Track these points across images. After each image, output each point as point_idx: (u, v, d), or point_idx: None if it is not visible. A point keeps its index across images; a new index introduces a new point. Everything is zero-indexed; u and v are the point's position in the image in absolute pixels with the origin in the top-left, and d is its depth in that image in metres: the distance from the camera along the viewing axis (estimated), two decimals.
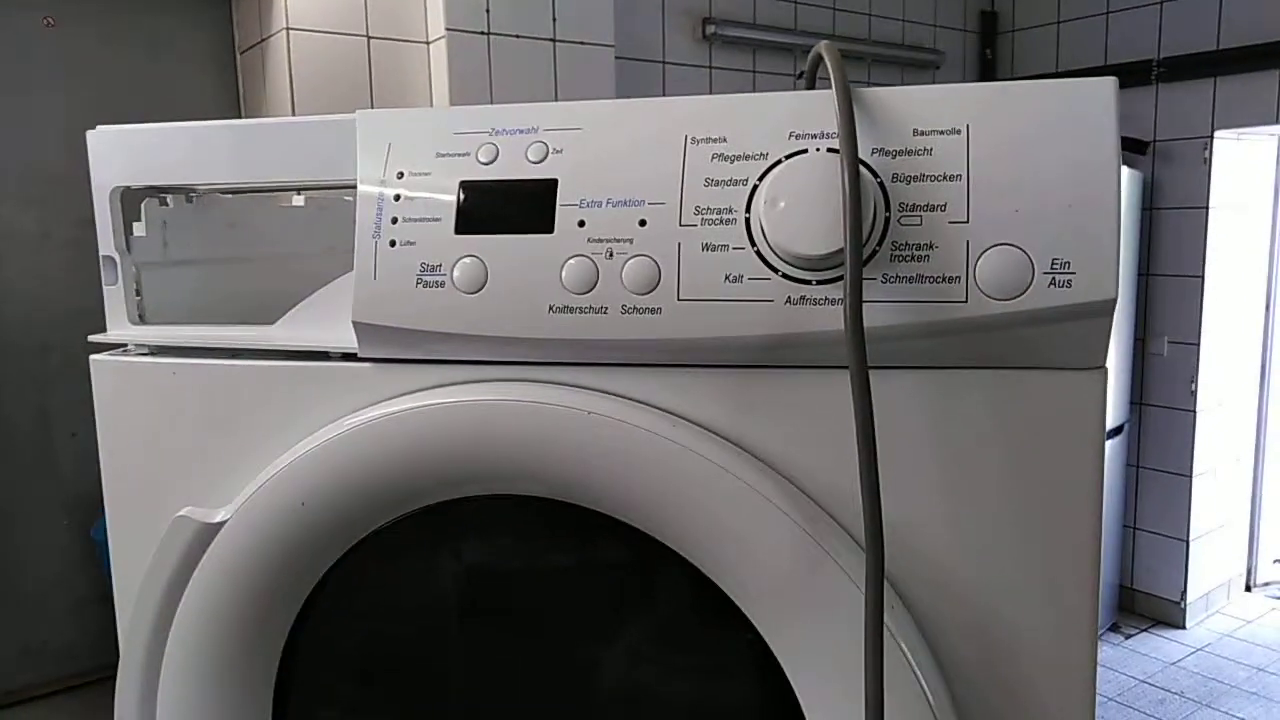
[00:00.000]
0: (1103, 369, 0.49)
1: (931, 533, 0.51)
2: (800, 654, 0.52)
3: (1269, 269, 2.91)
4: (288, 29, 1.67)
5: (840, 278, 0.49)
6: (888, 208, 0.49)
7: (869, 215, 0.48)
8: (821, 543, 0.50)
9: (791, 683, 0.53)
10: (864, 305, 0.47)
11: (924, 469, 0.51)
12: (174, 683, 0.63)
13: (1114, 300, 0.46)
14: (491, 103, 1.77)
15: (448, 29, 1.73)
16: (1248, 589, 3.08)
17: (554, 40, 1.86)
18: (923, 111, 0.49)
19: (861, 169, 0.48)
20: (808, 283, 0.49)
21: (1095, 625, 0.50)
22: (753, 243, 0.50)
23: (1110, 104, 0.47)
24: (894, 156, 0.49)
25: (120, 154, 0.64)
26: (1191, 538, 2.83)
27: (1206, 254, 2.68)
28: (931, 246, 0.48)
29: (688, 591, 0.57)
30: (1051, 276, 0.46)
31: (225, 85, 1.90)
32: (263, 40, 1.77)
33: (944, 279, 0.48)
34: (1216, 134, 2.63)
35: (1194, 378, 2.75)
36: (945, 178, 0.48)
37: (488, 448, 0.54)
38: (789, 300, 0.50)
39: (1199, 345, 2.73)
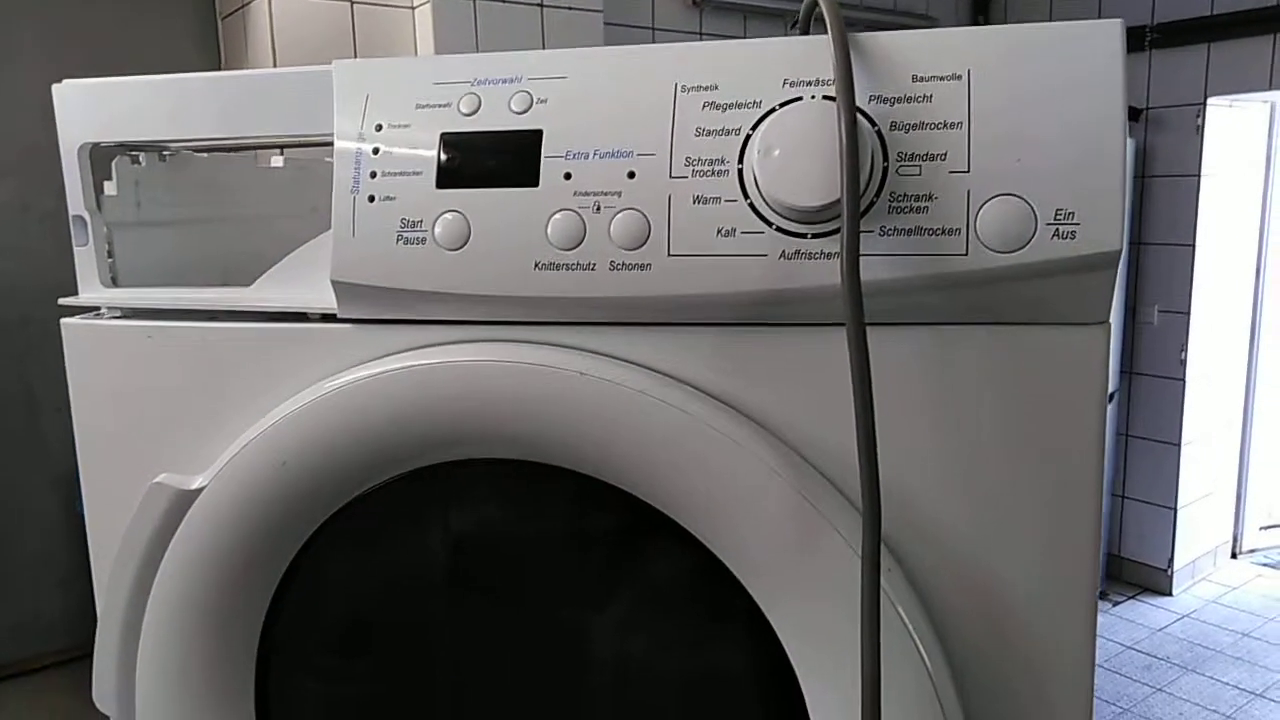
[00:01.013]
0: (1105, 324, 0.47)
1: (930, 493, 0.50)
2: (795, 620, 0.51)
3: (1259, 237, 2.90)
4: None
5: (836, 230, 0.47)
6: (885, 157, 0.47)
7: (866, 165, 0.46)
8: (817, 505, 0.49)
9: (786, 649, 0.52)
10: (861, 259, 0.45)
11: (922, 427, 0.50)
12: (153, 652, 0.61)
13: (1119, 252, 0.44)
14: None
15: None
16: (1233, 556, 3.11)
17: (541, 5, 1.82)
18: (922, 57, 0.47)
19: (859, 117, 0.46)
20: (803, 236, 0.48)
21: (1095, 586, 0.49)
22: (745, 195, 0.48)
23: (1116, 49, 0.45)
24: (892, 104, 0.47)
25: (88, 108, 0.62)
26: (1179, 506, 2.84)
27: (1198, 222, 2.67)
28: (931, 197, 0.46)
29: (678, 557, 0.56)
30: (1055, 228, 0.45)
31: (206, 50, 1.86)
32: (244, 5, 1.73)
33: (944, 231, 0.46)
34: (1209, 101, 2.61)
35: (1184, 346, 2.75)
36: (945, 125, 0.46)
37: (476, 410, 0.53)
38: (783, 254, 0.48)
39: (1189, 314, 2.73)
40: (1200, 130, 2.63)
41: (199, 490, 0.58)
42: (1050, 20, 2.70)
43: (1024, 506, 0.49)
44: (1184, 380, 2.77)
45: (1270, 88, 2.51)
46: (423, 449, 0.55)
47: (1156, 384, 2.83)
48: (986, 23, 2.95)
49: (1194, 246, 2.69)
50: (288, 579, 0.61)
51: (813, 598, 0.50)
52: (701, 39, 2.33)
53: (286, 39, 1.65)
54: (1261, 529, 3.15)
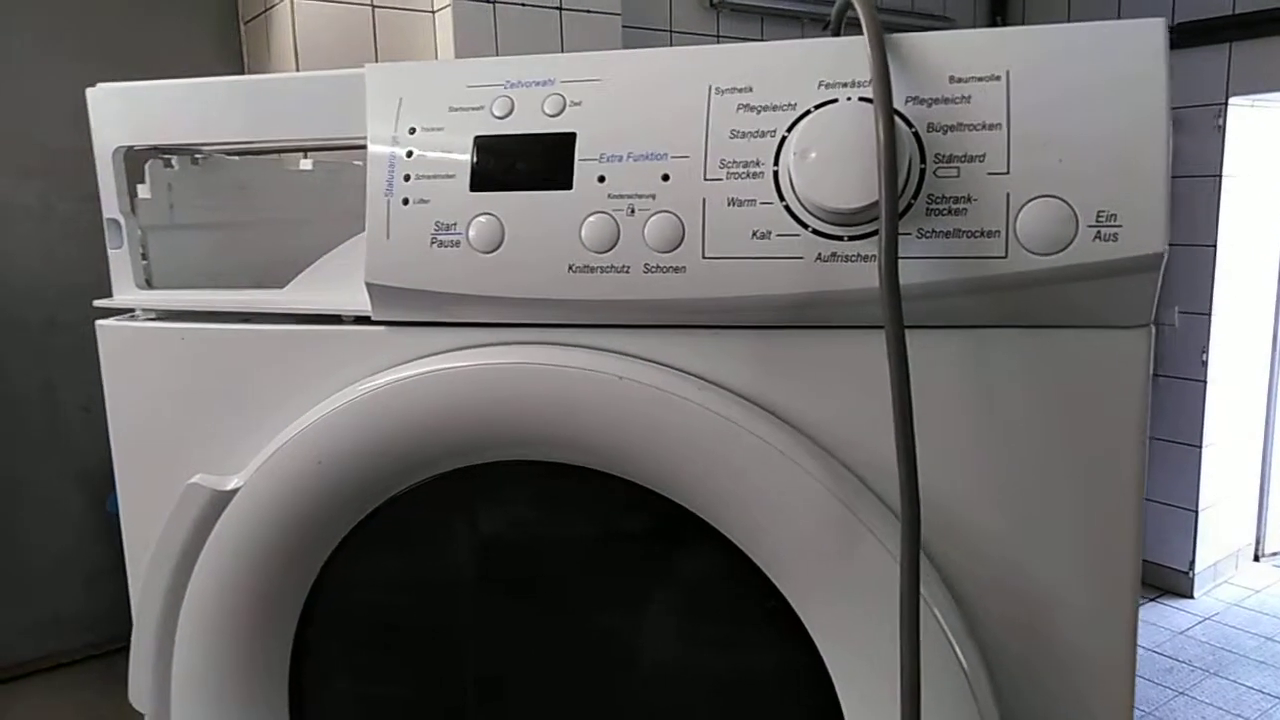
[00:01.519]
0: (1148, 327, 0.47)
1: (968, 498, 0.50)
2: (832, 625, 0.51)
3: None
4: None
5: (873, 233, 0.47)
6: (923, 159, 0.46)
7: (904, 167, 0.46)
8: (855, 510, 0.49)
9: (822, 654, 0.52)
10: (899, 262, 0.45)
11: (960, 431, 0.49)
12: (188, 651, 0.62)
13: (1163, 255, 0.44)
14: None
15: None
16: (1256, 559, 3.08)
17: (560, 9, 1.82)
18: (960, 58, 0.47)
19: (896, 119, 0.46)
20: (839, 238, 0.47)
21: (1136, 592, 0.49)
22: (781, 197, 0.48)
23: (1160, 48, 0.44)
24: (929, 105, 0.47)
25: (122, 112, 0.62)
26: (1200, 508, 2.81)
27: (1219, 223, 2.64)
28: (970, 199, 0.46)
29: (712, 558, 0.56)
30: (1097, 230, 0.44)
31: (229, 55, 1.87)
32: (267, 10, 1.74)
33: (983, 233, 0.46)
34: (1230, 101, 2.58)
35: (1205, 348, 2.72)
36: (984, 127, 0.46)
37: (513, 413, 0.53)
38: (819, 257, 0.48)
39: (1210, 315, 2.70)
40: (1221, 130, 2.60)
41: (234, 491, 0.58)
42: (1069, 19, 2.68)
43: (1064, 511, 0.49)
44: (1205, 382, 2.75)
45: None
46: (458, 451, 0.55)
47: (1177, 385, 2.80)
48: (1004, 23, 2.93)
49: (1215, 247, 2.67)
50: (322, 578, 0.62)
51: (849, 603, 0.50)
52: (719, 41, 2.33)
53: (309, 43, 1.66)
54: None
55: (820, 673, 0.52)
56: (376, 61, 1.71)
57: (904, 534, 0.45)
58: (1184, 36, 2.60)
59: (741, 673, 0.58)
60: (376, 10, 1.72)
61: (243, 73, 1.88)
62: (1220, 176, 2.62)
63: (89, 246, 1.71)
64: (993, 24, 2.93)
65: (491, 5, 1.74)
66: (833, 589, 0.50)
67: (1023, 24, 2.92)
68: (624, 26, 1.95)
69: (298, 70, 1.65)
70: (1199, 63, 2.61)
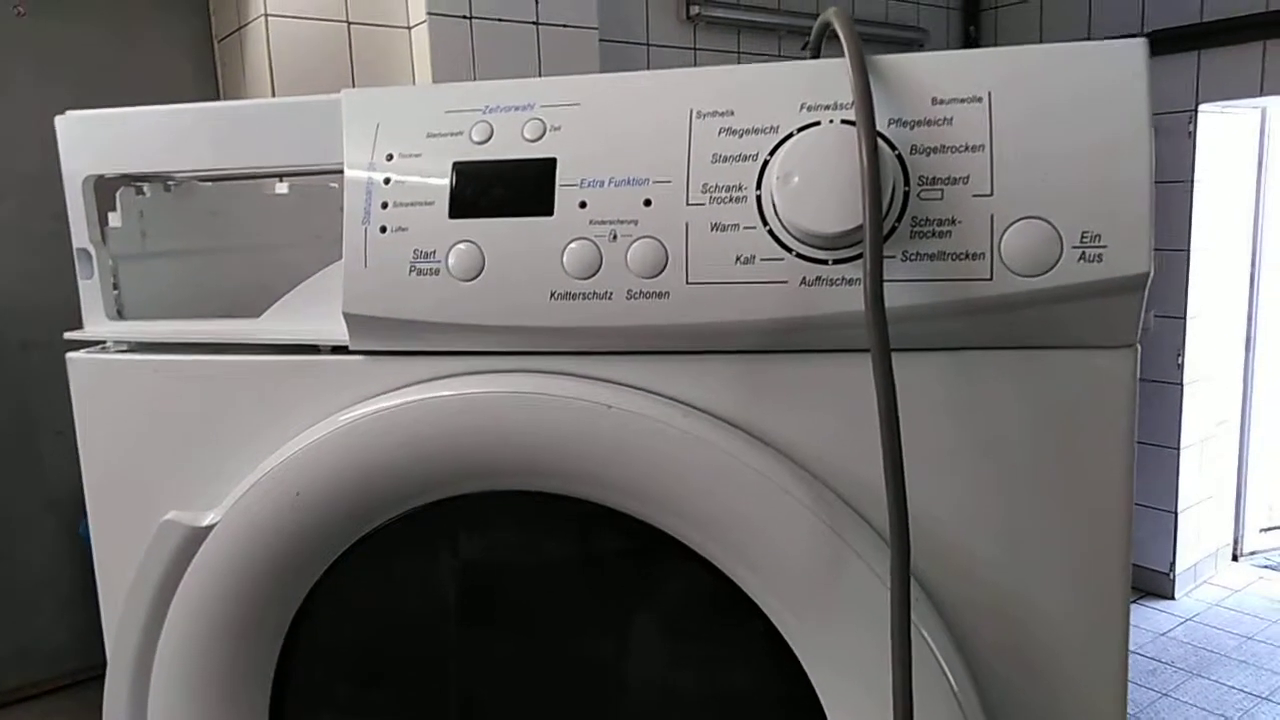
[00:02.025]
0: (1134, 347, 0.47)
1: (956, 520, 0.49)
2: (820, 649, 0.50)
3: (1253, 242, 2.91)
4: (266, 15, 1.62)
5: (858, 257, 0.46)
6: (906, 182, 0.46)
7: (888, 190, 0.45)
8: (842, 534, 0.48)
9: (811, 678, 0.51)
10: (884, 285, 0.45)
11: (947, 453, 0.49)
12: (165, 689, 0.60)
13: (1147, 275, 0.44)
14: None
15: (429, 13, 1.69)
16: (1234, 559, 3.11)
17: (536, 23, 1.82)
18: (941, 79, 0.47)
19: (879, 141, 0.46)
20: (823, 262, 0.47)
21: (1127, 612, 0.49)
22: (764, 221, 0.48)
23: (1141, 68, 0.44)
24: (912, 127, 0.47)
25: (91, 140, 0.61)
26: (1180, 509, 2.84)
27: (1192, 228, 2.68)
28: (954, 222, 0.46)
29: (697, 584, 0.55)
30: (1081, 251, 0.44)
31: (203, 74, 1.85)
32: (241, 28, 1.72)
33: (967, 255, 0.45)
34: (1201, 107, 2.62)
35: (1181, 351, 2.75)
36: (967, 149, 0.46)
37: (499, 442, 0.52)
38: (804, 281, 0.47)
39: (1185, 318, 2.73)
40: (1192, 136, 2.64)
41: (210, 527, 0.57)
42: (1041, 29, 2.70)
43: (1053, 532, 0.49)
44: (1181, 384, 2.77)
45: (1261, 94, 2.52)
46: (441, 482, 0.54)
47: (1154, 388, 2.83)
48: (978, 33, 2.96)
49: (1189, 251, 2.70)
50: (302, 611, 0.60)
51: (837, 626, 0.50)
52: (696, 54, 2.33)
53: (283, 61, 1.64)
54: (1262, 531, 3.15)
55: (810, 696, 0.52)
56: (353, 78, 1.70)
57: (894, 559, 0.45)
58: (1155, 44, 2.63)
59: (730, 698, 0.57)
60: (352, 27, 1.71)
61: (217, 91, 1.86)
62: (1192, 182, 2.65)
63: (63, 266, 1.68)
64: (966, 35, 2.96)
65: (468, 20, 1.74)
66: (820, 613, 0.50)
67: (995, 35, 2.96)
68: (601, 40, 1.95)
69: (273, 88, 1.64)
70: (1169, 70, 2.64)
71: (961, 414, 0.48)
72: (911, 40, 2.72)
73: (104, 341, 0.63)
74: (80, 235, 0.61)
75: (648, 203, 0.49)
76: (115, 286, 0.63)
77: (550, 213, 0.50)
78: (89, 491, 0.63)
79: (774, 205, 0.47)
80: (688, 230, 0.49)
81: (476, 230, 0.51)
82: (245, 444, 0.58)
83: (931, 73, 0.47)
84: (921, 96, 0.47)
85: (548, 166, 0.51)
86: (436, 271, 0.52)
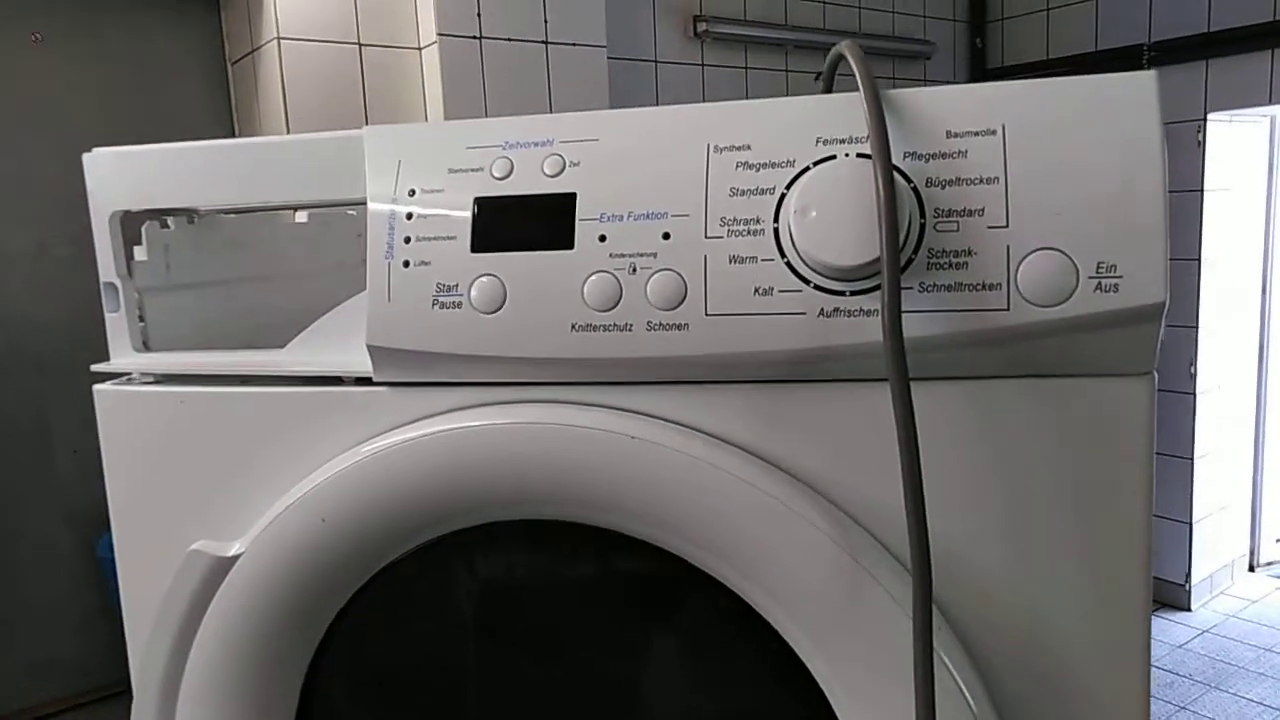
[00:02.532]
0: (1150, 375, 0.47)
1: (976, 549, 0.50)
2: (842, 677, 0.51)
3: (1265, 251, 2.90)
4: (279, 38, 1.64)
5: (875, 288, 0.47)
6: (922, 214, 0.47)
7: (904, 223, 0.46)
8: (863, 563, 0.49)
9: (832, 704, 0.52)
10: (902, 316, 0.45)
11: (966, 482, 0.49)
12: (192, 715, 0.61)
13: (1164, 304, 0.44)
14: (486, 106, 1.75)
15: (439, 34, 1.71)
16: (1251, 569, 3.09)
17: (546, 43, 1.83)
18: (955, 112, 0.47)
19: (895, 174, 0.46)
20: (841, 294, 0.48)
21: (1148, 632, 0.49)
22: (782, 254, 0.48)
23: (1152, 99, 0.45)
24: (927, 160, 0.47)
25: (119, 177, 0.62)
26: (1195, 520, 2.82)
27: (1202, 237, 2.67)
28: (970, 253, 0.46)
29: (717, 612, 0.55)
30: (1097, 281, 0.45)
31: (217, 96, 1.88)
32: (254, 50, 1.74)
33: (984, 286, 0.46)
34: (1209, 117, 2.62)
35: (1193, 360, 2.74)
36: (982, 181, 0.46)
37: (521, 471, 0.53)
38: (822, 312, 0.48)
39: (1197, 328, 2.73)
40: (1202, 146, 2.64)
41: (235, 557, 0.58)
42: (1047, 42, 2.71)
43: (1073, 559, 0.49)
44: (1194, 394, 2.77)
45: (1270, 102, 2.52)
46: (465, 510, 0.55)
47: (1167, 399, 2.82)
48: (984, 44, 2.97)
49: (1199, 261, 2.69)
50: (328, 639, 0.61)
51: (860, 655, 0.50)
52: (704, 70, 2.35)
53: (296, 83, 1.66)
54: (1278, 541, 3.12)
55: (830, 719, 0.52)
56: (364, 98, 1.72)
57: (916, 587, 0.45)
58: (1161, 55, 2.64)
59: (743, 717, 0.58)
60: (364, 49, 1.73)
61: (230, 113, 1.88)
62: (1202, 191, 2.65)
63: (79, 289, 1.71)
64: (973, 47, 2.97)
65: (478, 41, 1.75)
66: (841, 641, 0.50)
67: (1002, 47, 2.96)
68: (609, 58, 1.96)
69: (285, 109, 1.66)
70: (1177, 80, 2.65)
71: (980, 442, 0.49)
72: (918, 53, 2.73)
73: (130, 374, 0.64)
74: (107, 269, 0.63)
75: (666, 236, 0.50)
76: (141, 318, 0.64)
77: (570, 246, 0.51)
78: (115, 520, 0.63)
79: (791, 238, 0.48)
80: (706, 263, 0.49)
81: (498, 264, 0.52)
82: (271, 474, 0.58)
83: (945, 106, 0.48)
84: (936, 129, 0.47)
85: (568, 201, 0.52)
86: (459, 305, 0.52)
